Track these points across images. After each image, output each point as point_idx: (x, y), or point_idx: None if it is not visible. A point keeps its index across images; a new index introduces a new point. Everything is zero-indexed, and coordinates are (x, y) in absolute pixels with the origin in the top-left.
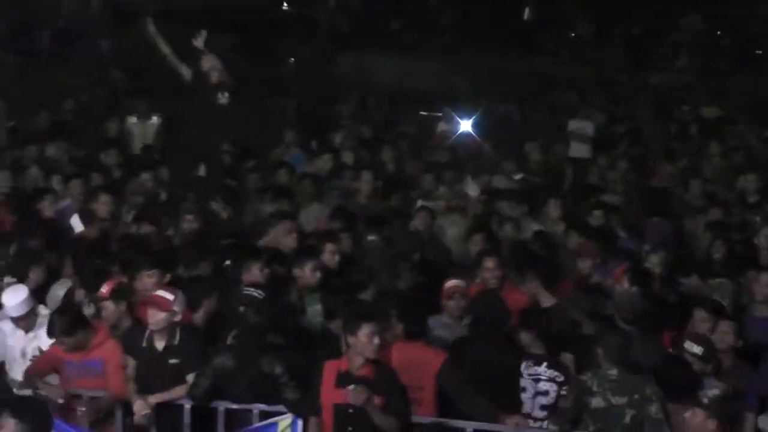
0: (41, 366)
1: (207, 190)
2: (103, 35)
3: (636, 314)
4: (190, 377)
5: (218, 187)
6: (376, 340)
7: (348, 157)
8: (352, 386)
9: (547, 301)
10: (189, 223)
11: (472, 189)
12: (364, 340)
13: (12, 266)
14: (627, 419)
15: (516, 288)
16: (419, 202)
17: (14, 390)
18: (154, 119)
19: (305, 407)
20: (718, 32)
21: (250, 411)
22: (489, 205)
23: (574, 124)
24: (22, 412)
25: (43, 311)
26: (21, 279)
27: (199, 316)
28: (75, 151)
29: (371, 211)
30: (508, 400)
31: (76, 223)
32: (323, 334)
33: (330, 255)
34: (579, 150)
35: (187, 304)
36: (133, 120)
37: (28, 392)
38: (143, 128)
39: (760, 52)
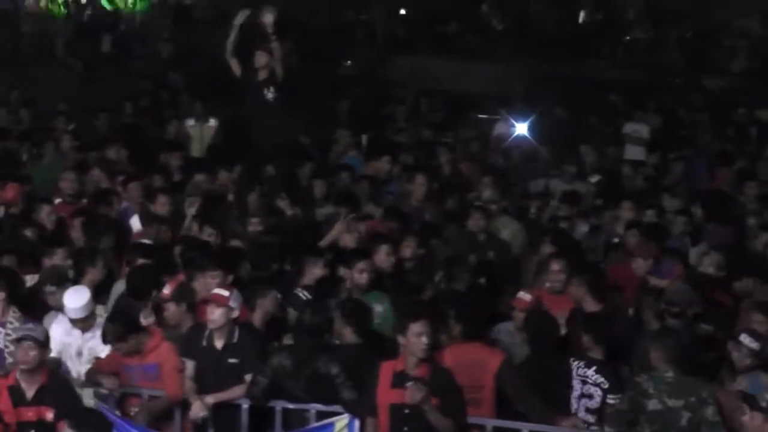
0: (103, 369)
1: (272, 189)
2: (162, 39)
3: (683, 308)
4: (248, 377)
5: (284, 186)
6: (424, 340)
7: (407, 160)
8: (410, 383)
9: (591, 306)
10: (254, 225)
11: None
12: (412, 339)
13: (70, 267)
14: (683, 422)
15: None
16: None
17: (75, 388)
18: (212, 122)
19: (362, 407)
20: None
21: (307, 411)
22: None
23: (629, 127)
24: (82, 424)
25: (101, 312)
26: (77, 278)
27: (257, 317)
28: (134, 153)
29: (424, 214)
30: (559, 405)
31: (136, 225)
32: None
33: (385, 256)
34: (634, 152)
35: (244, 304)
36: (190, 123)
37: (90, 402)
38: (201, 131)
39: None
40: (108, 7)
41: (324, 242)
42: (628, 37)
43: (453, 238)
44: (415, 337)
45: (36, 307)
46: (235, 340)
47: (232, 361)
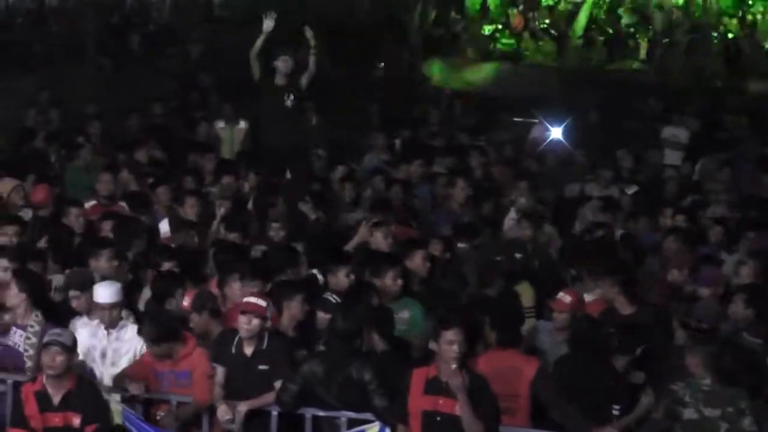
0: (133, 375)
1: (295, 194)
2: (192, 40)
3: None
4: (278, 383)
5: (307, 190)
6: (456, 347)
7: (444, 163)
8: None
9: (624, 308)
10: (275, 231)
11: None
12: (444, 347)
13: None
14: None
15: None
16: (511, 210)
17: (103, 394)
18: (242, 124)
19: (393, 415)
20: None
21: (337, 418)
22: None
23: (668, 131)
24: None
25: (125, 315)
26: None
27: (284, 321)
28: (164, 155)
29: (462, 219)
30: (601, 417)
31: (165, 228)
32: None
33: (421, 261)
34: (672, 157)
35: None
36: (221, 125)
37: (117, 408)
38: (231, 132)
39: None
40: None
41: (349, 246)
42: (666, 40)
43: (486, 243)
44: (447, 345)
45: (61, 313)
46: (264, 346)
47: (262, 367)
